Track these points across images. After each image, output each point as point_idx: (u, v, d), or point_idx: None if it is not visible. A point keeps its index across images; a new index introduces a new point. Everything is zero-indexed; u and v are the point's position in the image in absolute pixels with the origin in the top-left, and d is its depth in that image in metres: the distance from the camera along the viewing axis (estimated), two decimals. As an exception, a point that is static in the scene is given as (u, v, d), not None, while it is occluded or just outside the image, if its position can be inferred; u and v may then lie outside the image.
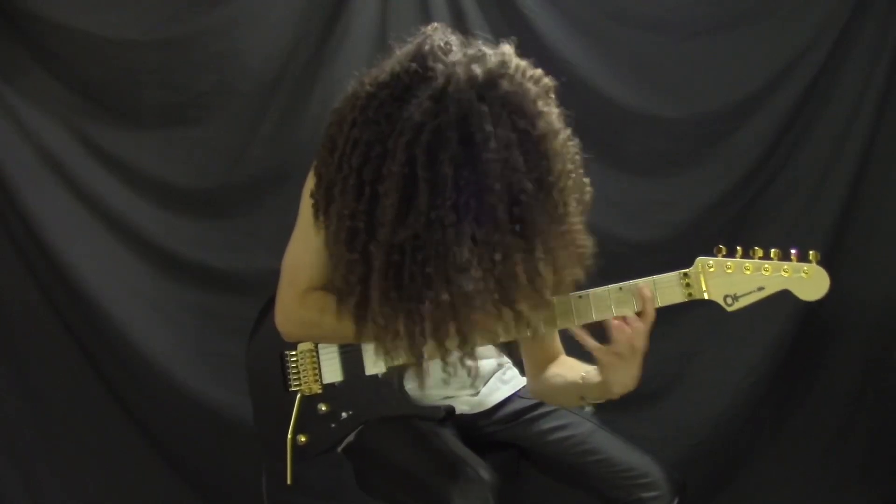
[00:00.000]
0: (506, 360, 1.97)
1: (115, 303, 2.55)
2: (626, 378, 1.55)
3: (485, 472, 1.55)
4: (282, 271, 1.70)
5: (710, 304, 2.73)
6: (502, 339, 1.50)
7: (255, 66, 2.59)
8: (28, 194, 2.50)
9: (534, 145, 1.29)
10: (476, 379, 1.87)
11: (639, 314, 1.55)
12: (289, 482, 1.77)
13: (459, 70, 1.29)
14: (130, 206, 2.59)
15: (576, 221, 1.37)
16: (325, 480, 2.59)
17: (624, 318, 1.49)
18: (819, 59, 2.70)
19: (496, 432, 1.82)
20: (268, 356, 1.85)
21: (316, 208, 1.41)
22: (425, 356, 1.38)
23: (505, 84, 1.29)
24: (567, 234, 1.35)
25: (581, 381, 1.64)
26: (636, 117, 2.73)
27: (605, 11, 2.70)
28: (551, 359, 1.78)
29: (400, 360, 1.44)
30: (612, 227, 2.68)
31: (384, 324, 1.34)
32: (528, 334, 1.41)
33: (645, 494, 1.66)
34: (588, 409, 1.70)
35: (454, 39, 1.36)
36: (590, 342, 1.52)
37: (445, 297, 1.29)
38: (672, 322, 2.77)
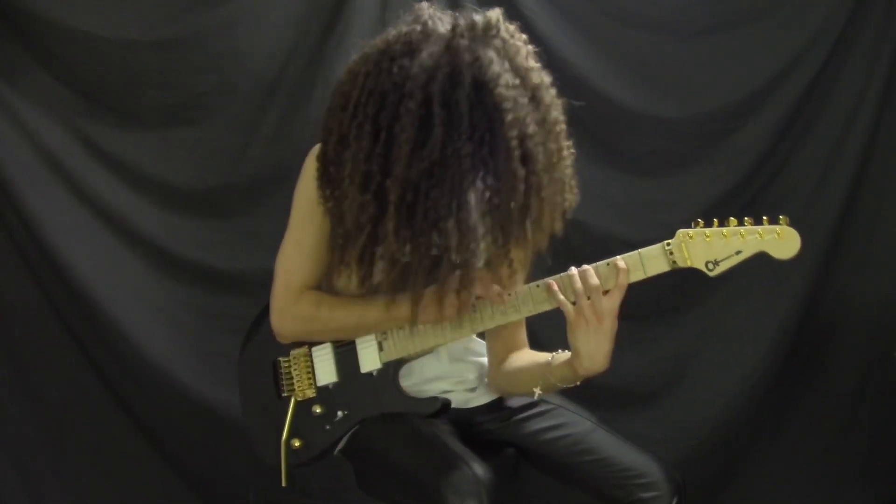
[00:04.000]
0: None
1: (115, 303, 2.55)
2: (593, 350, 1.59)
3: (479, 468, 1.55)
4: (275, 274, 1.75)
5: (710, 305, 2.76)
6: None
7: (255, 66, 2.59)
8: (28, 194, 2.50)
9: (532, 92, 1.47)
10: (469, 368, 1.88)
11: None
12: (283, 484, 1.77)
13: (463, 25, 1.47)
14: (130, 206, 2.59)
15: (566, 171, 1.53)
16: (324, 481, 2.60)
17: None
18: (819, 59, 2.70)
19: (494, 430, 1.82)
20: (260, 368, 1.85)
21: (324, 167, 1.54)
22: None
23: (503, 36, 1.48)
24: (558, 182, 1.51)
25: (548, 362, 1.69)
26: (636, 117, 2.73)
27: (605, 11, 2.70)
28: (517, 348, 1.84)
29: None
30: (612, 227, 2.68)
31: (392, 261, 1.49)
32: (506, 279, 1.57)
33: (644, 494, 1.66)
34: (538, 393, 1.71)
35: (446, 13, 1.53)
36: (559, 296, 1.60)
37: (455, 231, 1.44)
38: (672, 322, 2.78)
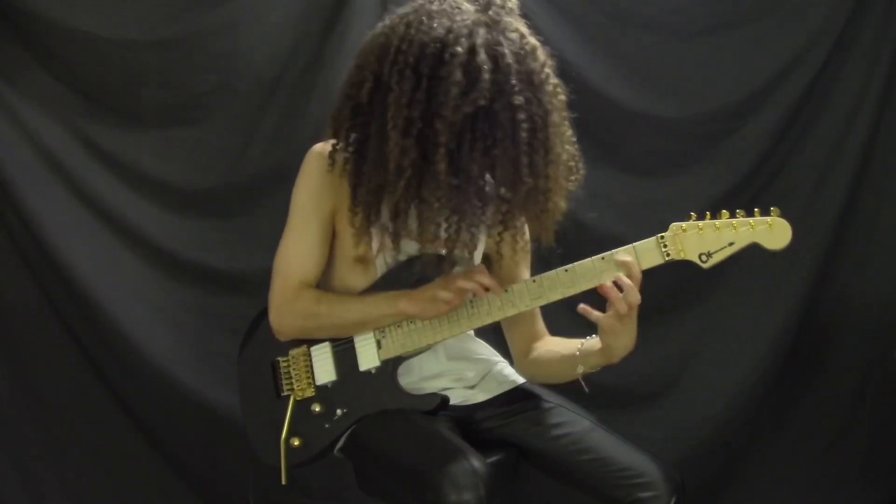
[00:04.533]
0: (501, 358, 1.97)
1: (115, 303, 2.55)
2: (627, 340, 1.63)
3: (476, 461, 1.55)
4: (274, 270, 1.77)
5: (710, 306, 2.76)
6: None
7: (255, 66, 2.59)
8: (28, 194, 2.50)
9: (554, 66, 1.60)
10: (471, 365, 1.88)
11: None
12: (283, 482, 1.77)
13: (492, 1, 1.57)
14: (130, 206, 2.59)
15: (574, 150, 1.64)
16: (324, 480, 2.60)
17: (613, 281, 1.60)
18: (819, 59, 2.70)
19: (493, 429, 1.81)
20: (259, 367, 1.85)
21: (353, 115, 1.59)
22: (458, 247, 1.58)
23: (522, 20, 1.61)
24: (572, 158, 1.63)
25: (578, 353, 1.71)
26: (636, 117, 2.73)
27: (605, 11, 2.70)
28: (536, 338, 1.87)
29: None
30: (612, 227, 2.68)
31: (438, 206, 1.54)
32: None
33: (642, 494, 1.65)
34: (584, 386, 1.73)
35: None
36: (593, 313, 1.61)
37: (501, 177, 1.54)
38: (672, 322, 2.78)
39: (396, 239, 1.62)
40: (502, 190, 1.56)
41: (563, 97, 1.60)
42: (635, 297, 1.59)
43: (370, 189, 1.59)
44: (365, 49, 1.61)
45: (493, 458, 1.72)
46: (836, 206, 2.75)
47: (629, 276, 1.60)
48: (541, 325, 1.89)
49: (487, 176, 1.58)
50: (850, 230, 2.76)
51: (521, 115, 1.51)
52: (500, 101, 1.50)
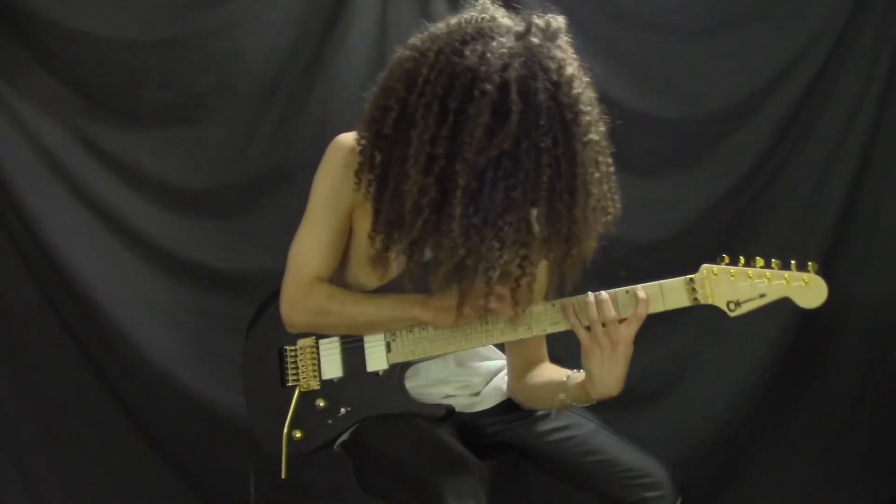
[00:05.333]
0: (505, 361, 1.97)
1: (115, 303, 2.55)
2: (605, 375, 1.58)
3: (478, 470, 1.55)
4: (288, 263, 1.72)
5: (710, 306, 2.75)
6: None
7: (255, 66, 2.59)
8: (28, 194, 2.50)
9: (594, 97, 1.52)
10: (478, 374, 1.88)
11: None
12: (283, 476, 1.77)
13: (535, 23, 1.46)
14: (130, 206, 2.59)
15: (612, 184, 1.58)
16: (324, 480, 2.60)
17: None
18: (819, 59, 2.70)
19: (497, 433, 1.82)
20: (266, 352, 1.85)
21: (375, 143, 1.51)
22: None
23: (567, 41, 1.50)
24: (607, 194, 1.56)
25: (565, 379, 1.68)
26: (636, 117, 2.72)
27: (605, 11, 2.70)
28: (536, 363, 1.81)
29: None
30: (613, 227, 2.67)
31: (453, 246, 1.44)
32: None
33: (648, 494, 1.65)
34: (554, 413, 1.71)
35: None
36: (572, 319, 1.58)
37: (515, 227, 1.42)
38: (672, 322, 2.77)
39: (413, 273, 1.55)
40: (522, 234, 1.45)
41: (597, 133, 1.51)
42: (618, 335, 1.55)
43: (388, 220, 1.52)
44: (394, 71, 1.52)
45: (495, 460, 1.72)
46: (836, 206, 2.74)
47: (633, 313, 1.57)
48: (543, 351, 1.84)
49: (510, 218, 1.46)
50: (850, 230, 2.76)
51: (546, 159, 1.41)
52: (526, 143, 1.40)
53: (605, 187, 1.54)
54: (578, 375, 1.66)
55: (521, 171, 1.40)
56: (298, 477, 1.79)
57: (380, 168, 1.52)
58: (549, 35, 1.46)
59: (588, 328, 1.58)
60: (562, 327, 1.64)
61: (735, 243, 2.72)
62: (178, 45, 2.55)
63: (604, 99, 2.65)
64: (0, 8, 2.45)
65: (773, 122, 2.73)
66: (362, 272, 1.75)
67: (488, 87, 1.39)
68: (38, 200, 2.51)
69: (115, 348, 2.57)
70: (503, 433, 1.81)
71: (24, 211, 2.50)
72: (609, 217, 1.56)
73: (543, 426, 1.79)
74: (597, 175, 1.50)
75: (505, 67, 1.40)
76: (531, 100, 1.39)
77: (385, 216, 1.51)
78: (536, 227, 1.45)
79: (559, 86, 1.42)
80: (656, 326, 2.72)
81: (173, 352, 2.60)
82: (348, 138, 1.66)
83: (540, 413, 1.81)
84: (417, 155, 1.42)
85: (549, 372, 1.79)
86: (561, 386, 1.68)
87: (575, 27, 2.64)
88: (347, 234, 1.72)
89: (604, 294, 1.57)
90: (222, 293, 2.62)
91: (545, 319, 1.64)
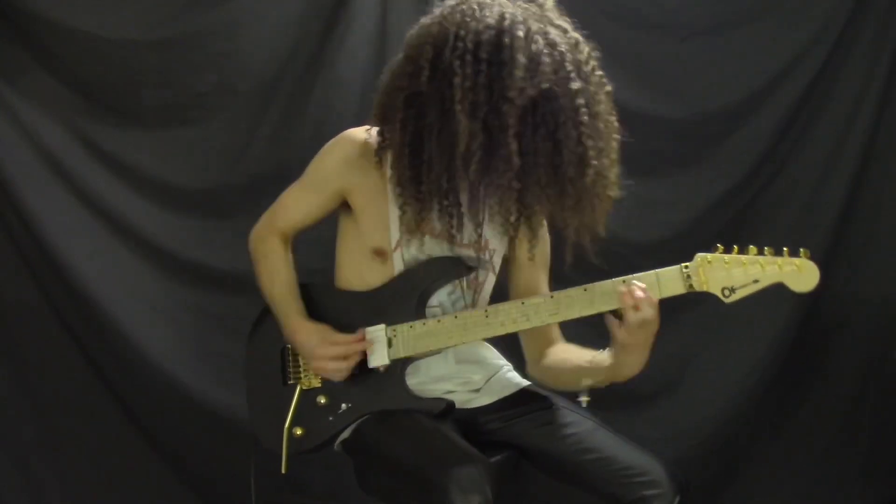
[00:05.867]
0: (506, 362, 1.97)
1: (115, 303, 2.55)
2: (638, 359, 1.64)
3: (483, 465, 1.55)
4: (273, 203, 1.89)
5: (710, 305, 2.74)
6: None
7: (255, 66, 2.59)
8: (28, 194, 2.50)
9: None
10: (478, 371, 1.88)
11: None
12: (283, 471, 1.77)
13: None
14: (130, 206, 2.59)
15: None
16: (324, 480, 2.60)
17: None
18: (819, 59, 2.71)
19: (496, 430, 1.82)
20: (268, 351, 1.86)
21: (409, 100, 1.57)
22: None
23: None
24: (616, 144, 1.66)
25: (588, 365, 1.70)
26: (636, 117, 2.71)
27: (605, 11, 2.70)
28: (550, 343, 1.85)
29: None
30: (613, 227, 2.67)
31: (510, 186, 1.52)
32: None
33: (647, 492, 1.65)
34: (583, 397, 1.73)
35: None
36: (615, 323, 1.61)
37: (574, 156, 1.53)
38: (672, 323, 2.77)
39: (479, 229, 1.68)
40: (570, 171, 1.54)
41: (609, 89, 1.63)
42: (648, 313, 1.60)
43: (431, 178, 1.57)
44: (416, 40, 1.59)
45: (495, 459, 1.72)
46: (836, 206, 2.75)
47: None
48: (556, 330, 1.87)
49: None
50: (850, 230, 2.76)
51: (580, 100, 1.52)
52: (561, 86, 1.51)
53: (617, 142, 1.66)
54: (601, 358, 1.68)
55: (560, 112, 1.50)
56: (298, 477, 1.80)
57: (411, 128, 1.57)
58: (549, 9, 1.60)
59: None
60: (559, 318, 1.66)
61: (735, 243, 2.70)
62: (178, 45, 2.55)
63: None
64: (0, 8, 2.45)
65: (773, 122, 2.74)
66: (366, 268, 1.78)
67: (518, 33, 1.50)
68: (38, 200, 2.51)
69: (115, 348, 2.57)
70: (502, 431, 1.81)
71: (24, 211, 2.50)
72: (615, 169, 1.66)
73: (543, 424, 1.79)
74: (615, 125, 1.65)
75: (525, 22, 1.52)
76: (554, 49, 1.52)
77: (425, 173, 1.57)
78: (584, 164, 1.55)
79: (571, 45, 1.56)
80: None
81: (173, 352, 2.60)
82: (358, 133, 1.75)
83: (538, 410, 1.82)
84: (462, 102, 1.50)
85: (569, 354, 1.81)
86: (584, 371, 1.72)
87: (575, 27, 2.67)
88: (326, 211, 1.82)
89: (639, 282, 1.62)
90: (222, 293, 2.62)
91: (543, 310, 1.66)
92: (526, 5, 1.57)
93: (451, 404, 1.74)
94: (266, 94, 2.61)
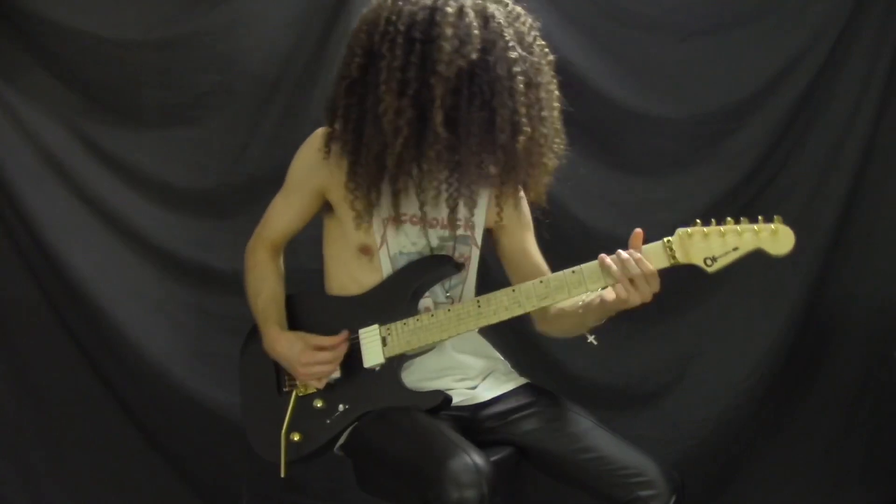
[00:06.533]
0: (503, 360, 1.97)
1: (115, 302, 2.55)
2: (645, 293, 1.63)
3: (479, 459, 1.55)
4: (264, 215, 1.95)
5: (710, 306, 2.76)
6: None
7: (255, 66, 2.59)
8: (28, 194, 2.50)
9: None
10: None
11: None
12: (282, 474, 1.77)
13: None
14: (130, 206, 2.59)
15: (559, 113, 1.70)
16: (323, 480, 2.60)
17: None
18: (819, 59, 2.70)
19: (493, 429, 1.82)
20: (262, 362, 1.87)
21: (348, 86, 1.63)
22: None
23: None
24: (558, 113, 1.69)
25: (582, 311, 1.72)
26: (636, 117, 2.73)
27: (605, 11, 2.70)
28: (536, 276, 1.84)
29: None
30: (612, 227, 2.68)
31: (438, 163, 1.59)
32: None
33: (642, 493, 1.66)
34: (591, 338, 1.73)
35: None
36: (616, 270, 1.63)
37: (505, 131, 1.57)
38: (672, 322, 2.78)
39: (397, 206, 1.69)
40: (503, 138, 1.59)
41: (551, 58, 1.66)
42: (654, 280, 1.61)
43: (369, 159, 1.63)
44: (355, 30, 1.66)
45: (495, 458, 1.72)
46: (836, 207, 2.74)
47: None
48: (542, 269, 1.90)
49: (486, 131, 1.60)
50: (850, 230, 2.76)
51: (517, 68, 1.56)
52: (495, 55, 1.55)
53: (558, 112, 1.69)
54: (591, 299, 1.70)
55: (496, 81, 1.55)
56: (297, 477, 1.80)
57: (354, 120, 1.64)
58: None
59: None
60: (549, 301, 1.69)
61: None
62: (178, 45, 2.55)
63: (605, 99, 2.69)
64: (0, 8, 2.45)
65: (773, 122, 2.73)
66: (355, 267, 1.80)
67: (448, 9, 1.55)
68: (38, 200, 2.51)
69: (115, 348, 2.57)
70: (500, 429, 1.81)
71: (24, 211, 2.50)
72: (560, 140, 1.71)
73: (539, 422, 1.79)
74: (556, 95, 1.67)
75: (461, 4, 1.57)
76: (490, 21, 1.57)
77: (365, 160, 1.63)
78: (515, 135, 1.59)
79: (512, 17, 1.60)
80: (656, 326, 2.76)
81: (173, 352, 2.60)
82: (325, 130, 1.79)
83: (536, 408, 1.82)
84: (389, 82, 1.56)
85: (565, 304, 1.80)
86: (581, 316, 1.73)
87: (575, 27, 2.68)
88: (311, 213, 1.87)
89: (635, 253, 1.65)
90: (222, 293, 2.62)
91: (533, 295, 1.69)
92: None
93: (448, 397, 1.75)
94: (266, 94, 2.61)
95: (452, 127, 1.56)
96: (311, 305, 1.88)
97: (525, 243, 1.91)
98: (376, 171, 1.65)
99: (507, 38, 1.56)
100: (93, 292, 2.53)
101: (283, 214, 1.89)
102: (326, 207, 1.84)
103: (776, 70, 2.72)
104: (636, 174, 2.77)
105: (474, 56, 1.54)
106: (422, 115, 1.57)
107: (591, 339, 1.75)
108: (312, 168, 1.79)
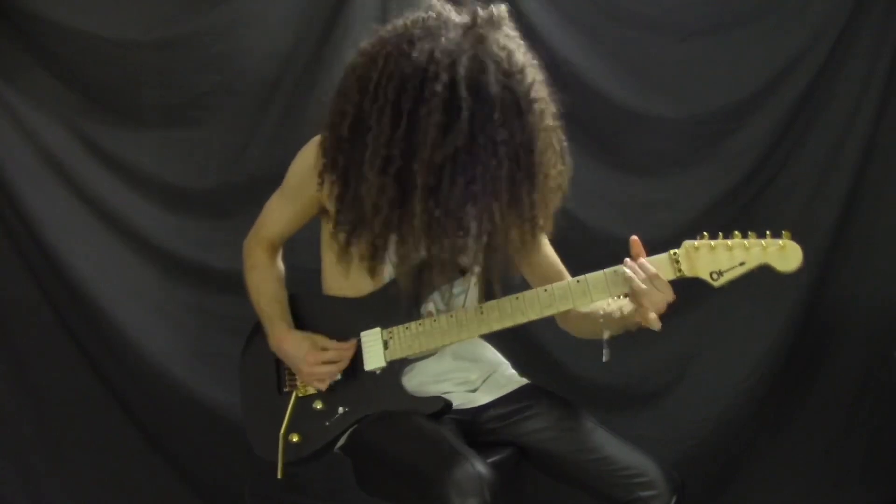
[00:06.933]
0: (504, 360, 1.97)
1: (115, 302, 2.55)
2: (658, 302, 1.63)
3: (481, 467, 1.55)
4: (261, 213, 1.94)
5: (710, 306, 2.76)
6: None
7: (255, 66, 2.59)
8: (28, 194, 2.50)
9: (544, 79, 1.53)
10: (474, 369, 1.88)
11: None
12: (279, 476, 1.77)
13: (481, 14, 1.48)
14: (130, 207, 2.59)
15: (565, 162, 1.60)
16: (323, 480, 2.60)
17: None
18: (819, 59, 2.70)
19: (494, 430, 1.82)
20: (263, 361, 1.86)
21: (335, 148, 1.57)
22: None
23: (510, 29, 1.52)
24: (561, 172, 1.58)
25: (602, 319, 1.71)
26: (636, 117, 2.73)
27: (604, 11, 2.70)
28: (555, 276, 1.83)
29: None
30: (612, 227, 2.68)
31: (414, 241, 1.51)
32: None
33: (643, 493, 1.66)
34: (605, 352, 1.72)
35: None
36: (637, 274, 1.62)
37: (478, 216, 1.48)
38: (672, 322, 2.76)
39: (373, 272, 1.64)
40: (484, 221, 1.50)
41: (550, 118, 1.53)
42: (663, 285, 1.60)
43: (349, 219, 1.58)
44: (347, 77, 1.57)
45: (495, 458, 1.72)
46: (836, 207, 2.74)
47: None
48: (562, 275, 1.86)
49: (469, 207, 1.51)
50: (850, 230, 2.76)
51: (503, 150, 1.45)
52: (481, 138, 1.44)
53: (561, 167, 1.59)
54: (611, 310, 1.70)
55: (479, 164, 1.44)
56: (297, 477, 1.80)
57: (341, 170, 1.58)
58: (496, 24, 1.49)
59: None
60: (552, 311, 1.67)
61: (735, 243, 2.71)
62: (178, 45, 2.55)
63: (605, 99, 2.69)
64: (0, 8, 2.45)
65: (773, 122, 2.73)
66: (357, 271, 1.75)
67: (438, 87, 1.42)
68: (38, 200, 2.51)
69: (115, 348, 2.57)
70: (501, 430, 1.81)
71: (24, 211, 2.50)
72: (562, 192, 1.62)
73: (540, 423, 1.79)
74: (555, 156, 1.56)
75: (453, 64, 1.43)
76: (482, 94, 1.43)
77: (346, 215, 1.58)
78: (498, 215, 1.49)
79: (511, 75, 1.45)
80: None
81: (173, 352, 2.60)
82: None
83: (537, 409, 1.82)
84: (373, 158, 1.48)
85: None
86: (600, 323, 1.72)
87: (575, 27, 2.68)
88: (308, 217, 1.85)
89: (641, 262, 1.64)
90: (222, 293, 2.62)
91: (537, 304, 1.68)
92: (467, 28, 1.48)
93: (448, 403, 1.74)
94: (266, 94, 2.61)
95: (433, 205, 1.47)
96: (312, 306, 1.88)
97: (540, 255, 1.86)
98: (360, 226, 1.59)
99: (497, 116, 1.43)
100: (93, 292, 2.53)
101: (280, 217, 1.88)
102: (324, 211, 1.83)
103: (776, 70, 2.72)
104: (636, 174, 2.77)
105: (461, 143, 1.43)
106: (404, 193, 1.48)
107: (605, 355, 1.73)
108: (309, 178, 1.74)
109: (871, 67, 2.69)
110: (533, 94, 1.47)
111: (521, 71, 1.46)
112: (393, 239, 1.57)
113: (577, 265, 1.78)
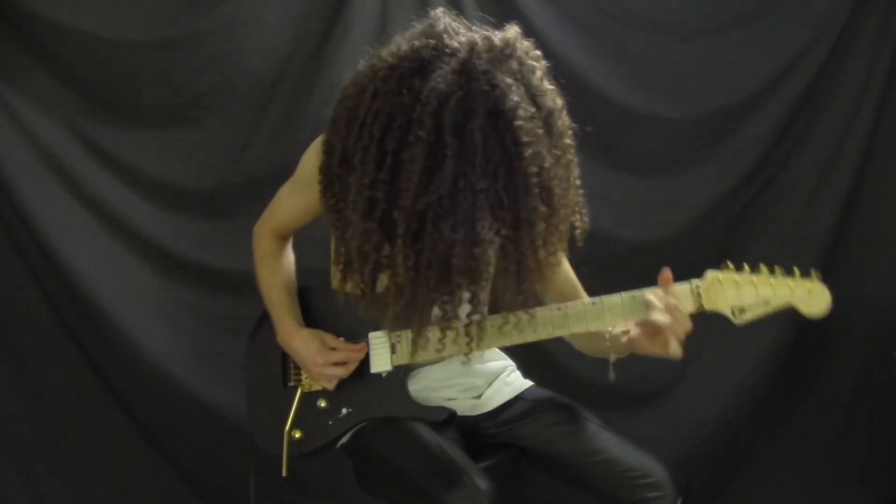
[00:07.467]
0: (510, 362, 1.97)
1: (115, 302, 2.55)
2: (678, 333, 1.59)
3: (482, 482, 1.55)
4: (273, 198, 1.91)
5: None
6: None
7: (255, 66, 2.59)
8: (28, 194, 2.50)
9: (546, 120, 1.39)
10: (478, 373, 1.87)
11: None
12: (284, 474, 1.77)
13: (479, 46, 1.37)
14: (130, 206, 2.59)
15: (577, 198, 1.49)
16: (324, 480, 2.60)
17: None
18: (819, 59, 2.70)
19: (498, 433, 1.82)
20: (270, 352, 1.86)
21: (326, 181, 1.50)
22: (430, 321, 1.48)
23: (519, 56, 1.39)
24: (570, 209, 1.46)
25: (609, 342, 1.66)
26: (635, 117, 2.73)
27: (604, 11, 2.70)
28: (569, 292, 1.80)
29: (403, 327, 1.60)
30: (612, 227, 2.68)
31: (401, 291, 1.43)
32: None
33: (649, 494, 1.66)
34: (612, 371, 1.70)
35: (461, 22, 1.45)
36: (658, 305, 1.57)
37: (469, 261, 1.37)
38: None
39: (368, 311, 1.53)
40: (459, 280, 1.40)
41: (550, 159, 1.39)
42: (674, 321, 1.56)
43: (338, 259, 1.52)
44: (338, 105, 1.47)
45: (495, 460, 1.72)
46: (836, 207, 2.74)
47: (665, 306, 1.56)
48: (579, 293, 1.82)
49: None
50: (850, 230, 2.76)
51: (482, 200, 1.34)
52: (463, 184, 1.33)
53: (574, 196, 1.48)
54: (616, 335, 1.65)
55: (459, 212, 1.34)
56: (297, 476, 1.80)
57: (331, 207, 1.51)
58: (496, 56, 1.37)
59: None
60: (564, 332, 1.65)
61: (735, 243, 2.72)
62: (178, 45, 2.55)
63: (604, 99, 2.69)
64: (0, 8, 2.45)
65: (773, 122, 2.73)
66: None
67: (421, 133, 1.33)
68: (38, 200, 2.51)
69: (115, 348, 2.57)
70: (505, 433, 1.81)
71: (24, 211, 2.50)
72: (577, 230, 1.50)
73: (545, 426, 1.79)
74: (555, 199, 1.41)
75: (441, 107, 1.33)
76: (467, 140, 1.32)
77: (338, 254, 1.52)
78: (489, 259, 1.40)
79: (498, 120, 1.33)
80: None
81: (173, 351, 2.60)
82: None
83: (541, 412, 1.81)
84: (357, 201, 1.40)
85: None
86: (606, 346, 1.68)
87: (575, 27, 2.68)
88: (318, 210, 1.72)
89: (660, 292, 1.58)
90: (222, 293, 2.62)
91: (549, 324, 1.64)
92: (463, 60, 1.36)
93: (452, 414, 1.74)
94: (266, 94, 2.61)
95: (418, 251, 1.39)
96: (320, 301, 1.86)
97: (559, 271, 1.76)
98: (349, 268, 1.51)
99: (479, 163, 1.32)
100: (93, 292, 2.53)
101: (289, 207, 1.85)
102: None
103: (776, 70, 2.72)
104: (636, 174, 2.76)
105: (443, 192, 1.33)
106: (389, 238, 1.40)
107: (612, 376, 1.71)
108: (315, 178, 1.66)
109: (871, 67, 2.69)
110: (523, 139, 1.34)
111: (513, 112, 1.33)
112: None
113: (577, 265, 1.78)
